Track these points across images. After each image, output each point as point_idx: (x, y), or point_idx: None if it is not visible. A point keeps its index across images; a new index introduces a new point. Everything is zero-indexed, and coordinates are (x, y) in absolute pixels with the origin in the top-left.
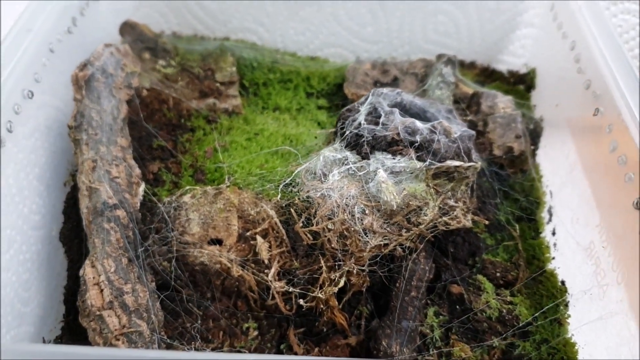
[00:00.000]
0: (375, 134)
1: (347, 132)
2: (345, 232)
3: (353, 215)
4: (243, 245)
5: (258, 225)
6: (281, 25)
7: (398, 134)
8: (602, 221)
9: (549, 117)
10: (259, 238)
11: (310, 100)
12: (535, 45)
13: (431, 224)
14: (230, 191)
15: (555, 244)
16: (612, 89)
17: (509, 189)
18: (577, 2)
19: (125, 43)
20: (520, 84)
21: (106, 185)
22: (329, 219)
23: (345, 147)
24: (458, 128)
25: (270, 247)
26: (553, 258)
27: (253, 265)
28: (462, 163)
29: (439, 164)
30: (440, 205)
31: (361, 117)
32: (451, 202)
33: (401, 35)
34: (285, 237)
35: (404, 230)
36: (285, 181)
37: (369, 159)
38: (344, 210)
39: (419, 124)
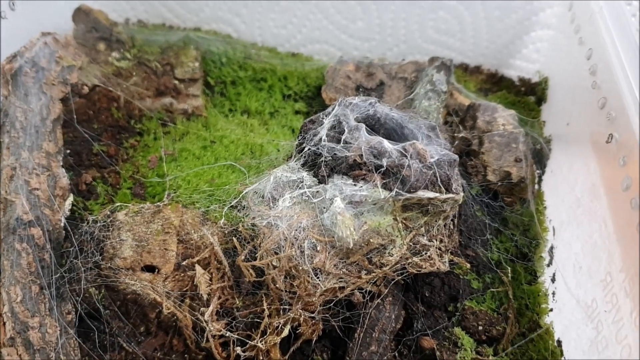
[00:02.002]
0: (335, 154)
1: (306, 149)
2: (292, 271)
3: (302, 252)
4: (182, 274)
5: (201, 251)
6: (260, 17)
7: (361, 156)
8: (608, 277)
9: (558, 137)
10: (198, 268)
11: (287, 103)
12: (552, 49)
13: (398, 265)
14: (172, 209)
15: (554, 293)
16: (630, 114)
17: (504, 222)
18: (599, 2)
19: (79, 31)
20: (530, 95)
21: (23, 198)
22: (275, 253)
23: (303, 166)
24: (437, 151)
25: (211, 279)
26: (550, 310)
27: (189, 300)
28: (437, 195)
29: (408, 195)
30: (411, 244)
31: (323, 131)
32: (424, 241)
33: (396, 32)
34: (227, 269)
35: (364, 271)
36: (231, 203)
37: (326, 183)
38: (292, 244)
39: (387, 144)
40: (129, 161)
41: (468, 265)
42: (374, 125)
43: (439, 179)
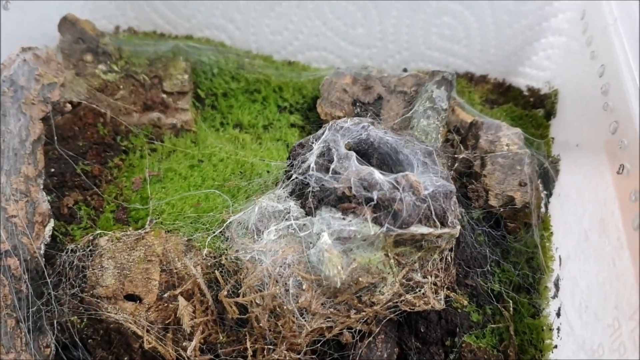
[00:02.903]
0: (323, 185)
1: (294, 176)
2: (277, 309)
3: (287, 290)
4: (165, 304)
5: (184, 281)
6: (254, 22)
7: (350, 189)
8: (615, 322)
9: (567, 157)
10: (181, 300)
11: (282, 115)
12: (564, 56)
13: (390, 303)
14: (155, 235)
15: (559, 329)
16: None
17: (506, 251)
18: (613, 12)
19: (65, 42)
20: (539, 108)
21: None
22: (259, 290)
23: (290, 194)
24: (432, 181)
25: (194, 311)
26: (555, 347)
27: (172, 334)
28: (431, 230)
29: (400, 231)
30: (404, 280)
31: (312, 158)
32: (417, 277)
33: (398, 38)
34: (211, 302)
35: (353, 310)
36: (214, 233)
37: (314, 215)
38: (276, 281)
39: (377, 175)
40: (112, 182)
41: (465, 302)
42: (367, 149)
43: (433, 213)
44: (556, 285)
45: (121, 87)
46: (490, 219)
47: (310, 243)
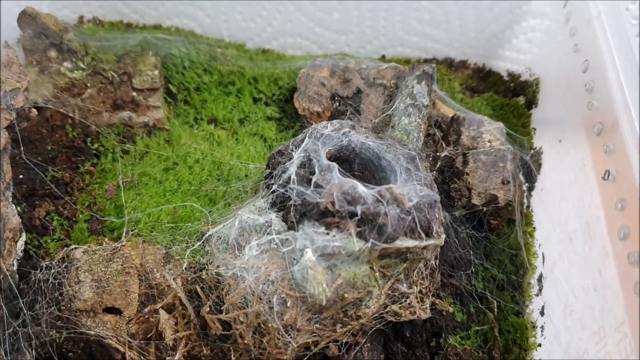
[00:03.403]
0: (305, 199)
1: (274, 187)
2: (261, 326)
3: (271, 307)
4: (146, 317)
5: (164, 294)
6: (225, 9)
7: (333, 204)
8: (601, 331)
9: (550, 151)
10: (162, 313)
11: (258, 106)
12: (545, 41)
13: (376, 315)
14: (132, 246)
15: (542, 327)
16: (630, 153)
17: (489, 249)
18: (597, 4)
19: (26, 37)
20: (519, 95)
21: None
22: (242, 307)
23: (271, 206)
24: (416, 191)
25: (176, 324)
26: (539, 345)
27: (155, 345)
28: (416, 242)
29: (384, 245)
30: (389, 292)
31: (292, 169)
32: (403, 288)
33: (375, 24)
34: (193, 316)
35: (339, 324)
36: (193, 246)
37: (296, 229)
38: (260, 299)
39: (361, 189)
40: (85, 190)
41: (451, 309)
42: (349, 155)
43: (418, 225)
44: (539, 283)
45: (89, 85)
46: (474, 218)
47: (294, 259)
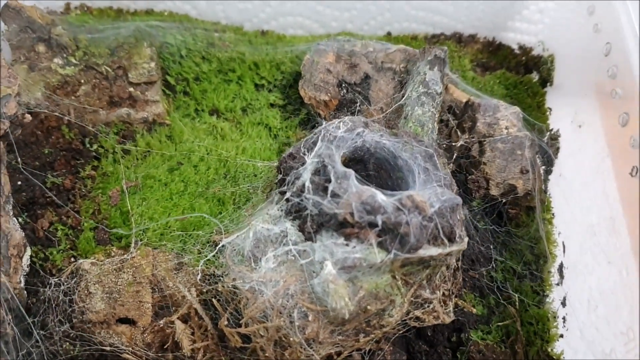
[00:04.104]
0: (322, 209)
1: (288, 195)
2: (283, 339)
3: (292, 322)
4: (161, 324)
5: (178, 303)
6: None
7: (352, 214)
8: (630, 332)
9: (568, 136)
10: (178, 324)
11: (260, 93)
12: (558, 12)
13: (399, 321)
14: (141, 255)
15: (564, 319)
16: None
17: (509, 237)
18: None
19: (11, 32)
20: (532, 71)
21: None
22: (261, 321)
23: (286, 214)
24: (437, 196)
25: (193, 333)
26: (561, 336)
27: (172, 354)
28: (440, 250)
29: (407, 255)
30: (412, 299)
31: (306, 175)
32: (426, 294)
33: None
34: (210, 327)
35: (362, 334)
36: (206, 257)
37: (313, 240)
38: (280, 313)
39: (380, 197)
40: (87, 197)
41: (474, 310)
42: (363, 156)
43: (441, 232)
44: (560, 272)
45: (82, 81)
46: (493, 211)
47: (313, 272)
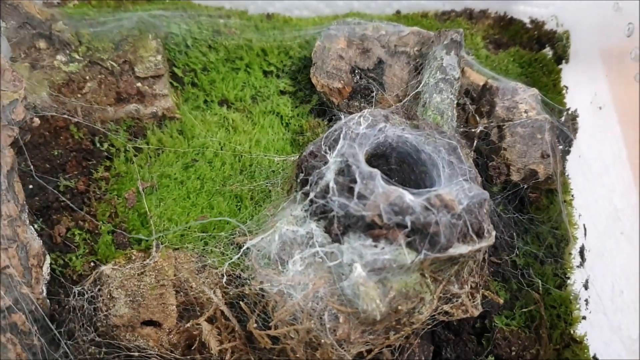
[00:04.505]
0: (348, 211)
1: (312, 196)
2: (313, 341)
3: (323, 324)
4: (187, 325)
5: (202, 303)
6: None
7: (380, 216)
8: None
9: (587, 116)
10: (204, 325)
11: (269, 80)
12: None
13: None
14: (163, 257)
15: (587, 301)
16: None
17: (531, 223)
18: None
19: (10, 29)
20: (545, 46)
21: None
22: (291, 324)
23: (310, 215)
24: (464, 192)
25: (219, 333)
26: (583, 318)
27: (199, 354)
28: (470, 247)
29: (437, 255)
30: (441, 295)
31: (330, 175)
32: (455, 289)
33: None
34: (238, 327)
35: (392, 332)
36: (231, 259)
37: (341, 242)
38: (310, 315)
39: (408, 198)
40: (103, 200)
41: (501, 300)
42: (385, 151)
43: (470, 229)
44: (582, 255)
45: (87, 78)
46: (515, 198)
47: (342, 274)
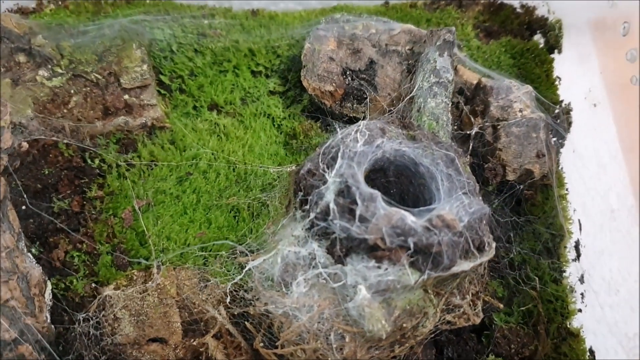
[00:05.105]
0: (350, 234)
1: (312, 216)
2: (320, 359)
3: (329, 344)
4: (191, 340)
5: (207, 319)
6: None
7: (383, 239)
8: None
9: (581, 112)
10: (210, 341)
11: (258, 80)
12: None
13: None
14: (164, 275)
15: (582, 295)
16: None
17: (528, 222)
18: None
19: None
20: (536, 32)
21: None
22: (298, 343)
23: (312, 236)
24: (464, 208)
25: (225, 348)
26: (579, 310)
27: None
28: (472, 264)
29: (441, 274)
30: (444, 307)
31: (329, 196)
32: (457, 301)
33: None
34: (244, 343)
35: (397, 345)
36: (234, 279)
37: (344, 263)
38: (316, 336)
39: (410, 220)
40: (99, 220)
41: (501, 306)
42: (383, 165)
43: (471, 245)
44: (577, 249)
45: (72, 92)
46: (512, 199)
47: (347, 295)
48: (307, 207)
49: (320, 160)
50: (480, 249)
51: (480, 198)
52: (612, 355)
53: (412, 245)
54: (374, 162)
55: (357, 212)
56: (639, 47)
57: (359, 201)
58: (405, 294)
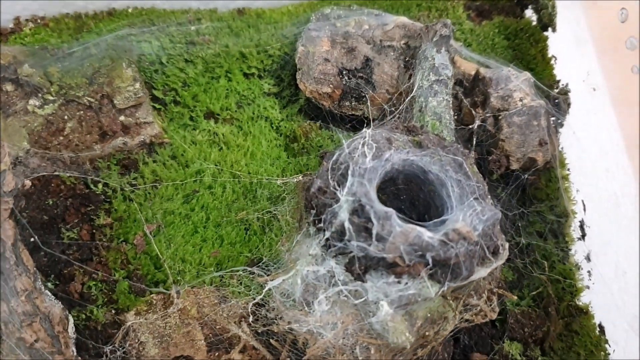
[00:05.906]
0: (368, 253)
1: (328, 234)
2: None
3: (355, 356)
4: (217, 354)
5: (230, 336)
6: None
7: (401, 257)
8: None
9: (580, 96)
10: (236, 356)
11: (251, 82)
12: None
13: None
14: (183, 297)
15: (590, 272)
16: None
17: (530, 202)
18: None
19: None
20: (527, 7)
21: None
22: (324, 357)
23: (328, 252)
24: (478, 216)
25: (250, 358)
26: (587, 287)
27: None
28: (488, 270)
29: (460, 284)
30: (462, 308)
31: (343, 215)
32: (474, 301)
33: None
34: (270, 357)
35: (419, 349)
36: (255, 299)
37: (363, 280)
38: (342, 350)
39: (427, 236)
40: (111, 247)
41: (515, 298)
42: (393, 175)
43: (487, 252)
44: (582, 228)
45: (66, 117)
46: (517, 190)
47: (369, 311)
48: (321, 225)
49: (329, 177)
50: (495, 252)
51: (490, 200)
52: (620, 331)
53: (430, 261)
54: (385, 174)
55: (374, 232)
56: (639, 34)
57: (374, 220)
58: (426, 303)
